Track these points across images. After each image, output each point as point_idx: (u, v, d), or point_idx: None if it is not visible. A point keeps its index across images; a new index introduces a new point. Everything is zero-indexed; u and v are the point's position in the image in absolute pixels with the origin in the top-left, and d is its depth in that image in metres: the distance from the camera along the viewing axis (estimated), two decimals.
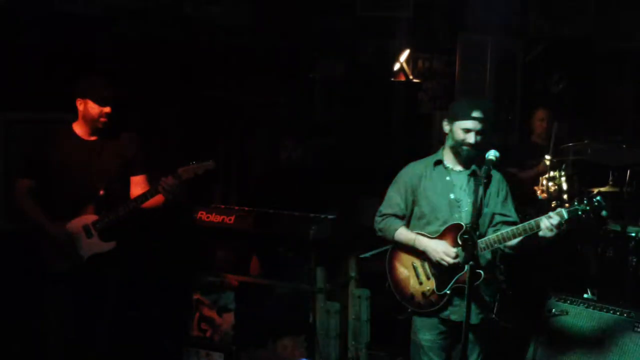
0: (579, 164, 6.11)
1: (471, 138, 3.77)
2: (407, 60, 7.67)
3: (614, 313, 4.27)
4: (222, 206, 4.98)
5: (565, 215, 3.56)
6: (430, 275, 3.86)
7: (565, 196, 5.61)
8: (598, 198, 3.57)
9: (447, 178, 3.90)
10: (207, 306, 4.85)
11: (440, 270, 3.82)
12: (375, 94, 7.52)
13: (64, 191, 4.14)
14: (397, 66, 7.62)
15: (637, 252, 5.03)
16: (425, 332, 3.90)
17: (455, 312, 3.82)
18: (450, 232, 3.80)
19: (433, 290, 3.83)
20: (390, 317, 4.07)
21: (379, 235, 4.05)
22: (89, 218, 4.15)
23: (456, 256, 3.73)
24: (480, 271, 3.67)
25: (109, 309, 4.31)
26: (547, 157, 5.81)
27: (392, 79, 7.68)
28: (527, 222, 3.64)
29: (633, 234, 5.22)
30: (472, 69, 7.93)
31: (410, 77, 7.74)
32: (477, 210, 3.57)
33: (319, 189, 5.59)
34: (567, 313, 4.36)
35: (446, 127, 3.89)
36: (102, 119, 4.13)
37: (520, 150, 6.62)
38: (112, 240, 4.18)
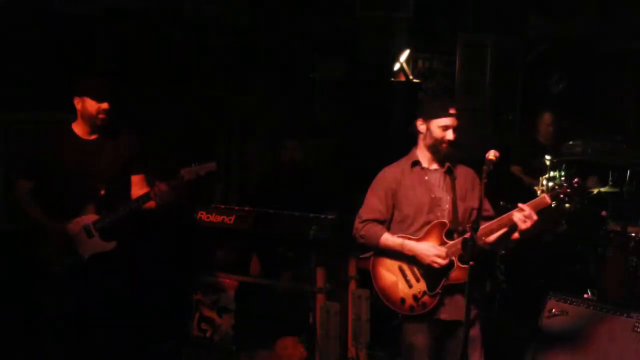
0: (579, 164, 6.10)
1: (450, 135, 3.80)
2: (407, 60, 7.67)
3: (614, 313, 4.27)
4: (222, 206, 4.98)
5: (548, 200, 3.64)
6: (419, 276, 3.81)
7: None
8: (577, 179, 3.67)
9: (426, 178, 3.90)
10: (207, 306, 4.85)
11: (429, 271, 3.78)
12: (375, 94, 7.51)
13: (64, 191, 4.13)
14: (397, 66, 7.62)
15: (637, 252, 5.01)
16: (417, 336, 3.82)
17: (446, 311, 3.78)
18: (434, 231, 3.80)
19: (425, 292, 3.78)
20: (389, 318, 4.06)
21: (360, 243, 3.95)
22: (90, 218, 4.14)
23: (446, 256, 3.72)
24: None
25: (109, 309, 4.30)
26: (547, 157, 5.80)
27: (392, 79, 7.68)
28: (504, 214, 3.69)
29: (633, 234, 5.22)
30: (472, 69, 7.93)
31: (410, 77, 7.73)
32: (456, 207, 3.63)
33: (319, 189, 5.59)
34: (567, 313, 4.36)
35: (421, 126, 3.88)
36: (101, 116, 4.11)
37: (523, 148, 6.62)
38: (113, 240, 4.18)
